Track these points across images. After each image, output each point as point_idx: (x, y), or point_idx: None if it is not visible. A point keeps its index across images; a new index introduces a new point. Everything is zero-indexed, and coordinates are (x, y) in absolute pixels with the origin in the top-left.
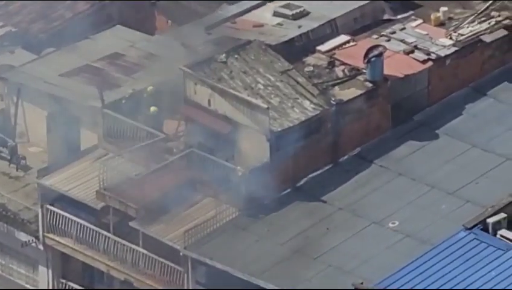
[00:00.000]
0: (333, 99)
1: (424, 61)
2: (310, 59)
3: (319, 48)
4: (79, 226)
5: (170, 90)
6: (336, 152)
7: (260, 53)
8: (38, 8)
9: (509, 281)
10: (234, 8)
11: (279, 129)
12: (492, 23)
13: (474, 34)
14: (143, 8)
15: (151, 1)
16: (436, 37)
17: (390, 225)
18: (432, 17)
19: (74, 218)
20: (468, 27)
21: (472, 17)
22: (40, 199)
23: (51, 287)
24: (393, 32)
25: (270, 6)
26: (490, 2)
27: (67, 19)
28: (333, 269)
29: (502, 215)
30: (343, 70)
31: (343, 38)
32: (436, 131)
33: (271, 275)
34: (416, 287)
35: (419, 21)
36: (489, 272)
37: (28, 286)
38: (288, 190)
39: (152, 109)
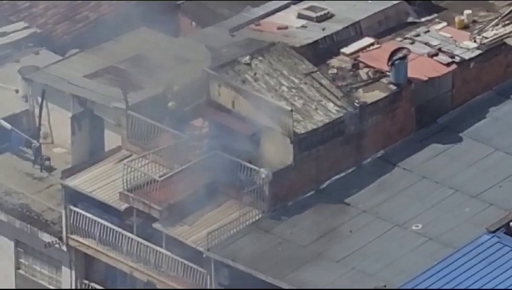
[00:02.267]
0: (357, 101)
1: (448, 64)
2: (334, 61)
3: (343, 50)
4: (102, 227)
5: (194, 92)
6: (359, 154)
7: (284, 55)
8: (63, 9)
9: None
10: (258, 10)
11: (303, 131)
12: None
13: (498, 37)
14: (167, 10)
15: (176, 3)
16: (460, 40)
17: (414, 227)
18: (456, 20)
19: (98, 219)
20: (492, 30)
21: (496, 20)
22: (64, 200)
23: (74, 288)
24: (418, 35)
25: (295, 9)
26: None
27: (91, 20)
28: (356, 272)
29: None
30: (367, 73)
31: (367, 40)
32: (460, 134)
33: (293, 278)
34: None
35: (444, 24)
36: None
37: (51, 287)
38: (312, 192)
39: (170, 104)
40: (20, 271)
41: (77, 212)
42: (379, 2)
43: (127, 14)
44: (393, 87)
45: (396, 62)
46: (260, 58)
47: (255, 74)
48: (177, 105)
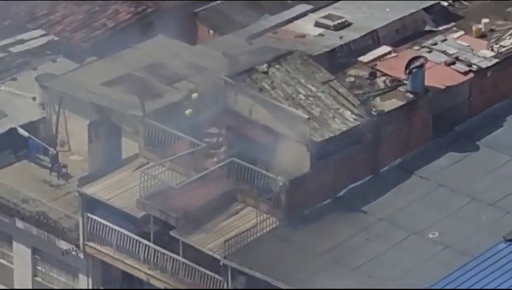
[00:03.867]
0: (374, 110)
1: (465, 73)
2: (352, 70)
3: (360, 58)
4: (119, 234)
5: (211, 100)
6: (376, 163)
7: (302, 63)
8: (81, 17)
9: None
10: (276, 19)
11: (320, 139)
12: None
13: None
14: (185, 18)
15: (193, 11)
16: (477, 48)
17: (430, 235)
18: (474, 28)
19: (115, 227)
20: (509, 39)
21: None
22: (81, 207)
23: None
24: (435, 44)
25: (312, 17)
26: None
27: (109, 28)
28: (373, 280)
29: None
30: (384, 81)
31: (384, 49)
32: (477, 142)
33: (311, 285)
34: None
35: (461, 32)
36: None
37: None
38: (329, 200)
39: (187, 111)
40: (37, 278)
41: (94, 220)
42: (397, 10)
43: (144, 22)
44: (411, 96)
45: (413, 70)
46: (277, 66)
47: (272, 82)
48: (194, 112)
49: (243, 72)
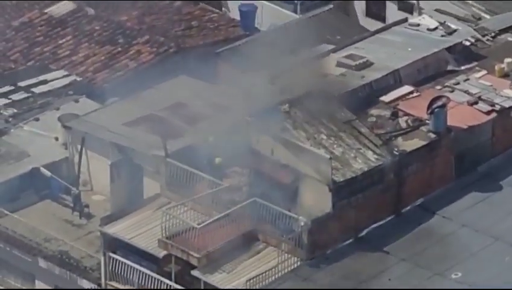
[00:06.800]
0: (396, 149)
1: (488, 112)
2: (373, 110)
3: (382, 98)
4: (141, 274)
5: (234, 139)
6: (398, 203)
7: (323, 103)
8: (103, 57)
9: None
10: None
11: (342, 179)
12: None
13: None
14: (207, 57)
15: (215, 51)
16: (500, 88)
17: (453, 276)
18: (496, 68)
19: (136, 266)
20: None
21: None
22: (103, 246)
23: None
24: (457, 83)
25: (334, 57)
26: None
27: (131, 68)
28: None
29: None
30: (406, 121)
31: (406, 88)
32: (500, 182)
33: None
34: None
35: (483, 72)
36: None
37: None
38: (351, 240)
39: (217, 160)
40: None
41: (116, 259)
42: (419, 50)
43: (166, 63)
44: (433, 136)
45: (435, 110)
46: (299, 106)
47: (294, 121)
48: (223, 161)
49: (265, 111)
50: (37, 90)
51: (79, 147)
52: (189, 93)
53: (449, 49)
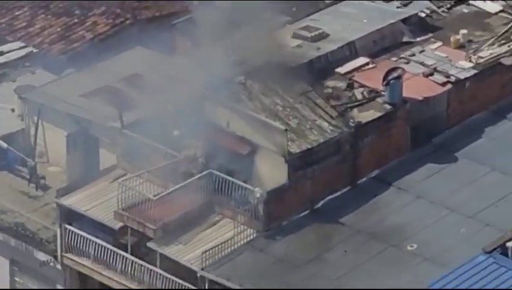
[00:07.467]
0: (352, 121)
1: (443, 84)
2: (329, 81)
3: (337, 70)
4: (97, 246)
5: (189, 111)
6: (354, 174)
7: (279, 75)
8: (59, 29)
9: None
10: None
11: (298, 151)
12: None
13: (494, 57)
14: (163, 29)
15: (172, 22)
16: (455, 59)
17: (409, 248)
18: (452, 39)
19: (92, 238)
20: (487, 50)
21: (492, 40)
22: (59, 218)
23: None
24: (413, 55)
25: (290, 28)
26: (510, 24)
27: (87, 40)
28: None
29: None
30: (362, 93)
31: (362, 60)
32: (455, 154)
33: None
34: None
35: (439, 43)
36: None
37: None
38: (306, 212)
39: (176, 132)
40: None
41: (72, 231)
42: (374, 21)
43: (122, 34)
44: (389, 107)
45: (391, 82)
46: (255, 77)
47: (249, 93)
48: (182, 134)
49: (221, 83)
50: None
51: (35, 118)
52: (145, 65)
53: (404, 20)
